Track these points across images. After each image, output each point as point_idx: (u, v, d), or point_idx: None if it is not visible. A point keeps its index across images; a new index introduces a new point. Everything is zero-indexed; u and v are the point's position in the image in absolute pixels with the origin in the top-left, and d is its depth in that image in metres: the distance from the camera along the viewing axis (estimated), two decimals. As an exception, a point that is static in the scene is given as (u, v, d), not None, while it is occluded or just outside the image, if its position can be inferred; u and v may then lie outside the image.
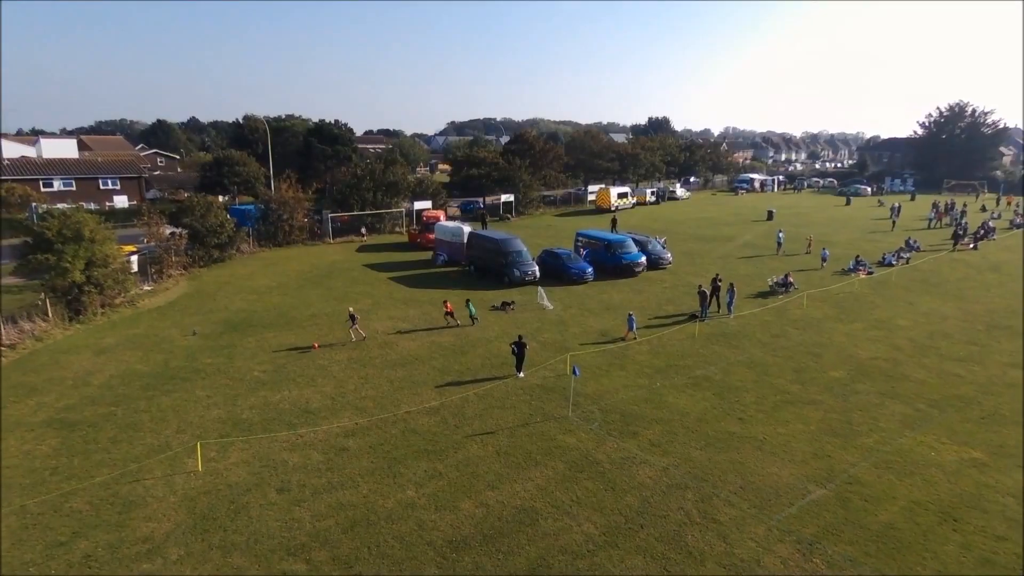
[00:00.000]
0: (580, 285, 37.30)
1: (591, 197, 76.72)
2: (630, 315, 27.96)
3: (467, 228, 42.62)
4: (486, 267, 38.76)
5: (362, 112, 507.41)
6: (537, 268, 37.49)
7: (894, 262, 43.10)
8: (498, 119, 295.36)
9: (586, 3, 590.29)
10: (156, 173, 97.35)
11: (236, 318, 30.53)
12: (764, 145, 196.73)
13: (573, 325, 29.83)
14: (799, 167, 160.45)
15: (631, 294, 35.50)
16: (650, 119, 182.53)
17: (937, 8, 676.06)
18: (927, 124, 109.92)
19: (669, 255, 42.33)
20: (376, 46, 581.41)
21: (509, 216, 64.47)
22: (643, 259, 39.95)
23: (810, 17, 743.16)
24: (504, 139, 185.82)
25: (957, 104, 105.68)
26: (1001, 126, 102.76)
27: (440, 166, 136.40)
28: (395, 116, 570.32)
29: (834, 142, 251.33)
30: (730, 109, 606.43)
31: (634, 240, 41.43)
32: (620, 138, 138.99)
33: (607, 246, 40.25)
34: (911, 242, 48.22)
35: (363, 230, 52.16)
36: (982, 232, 52.77)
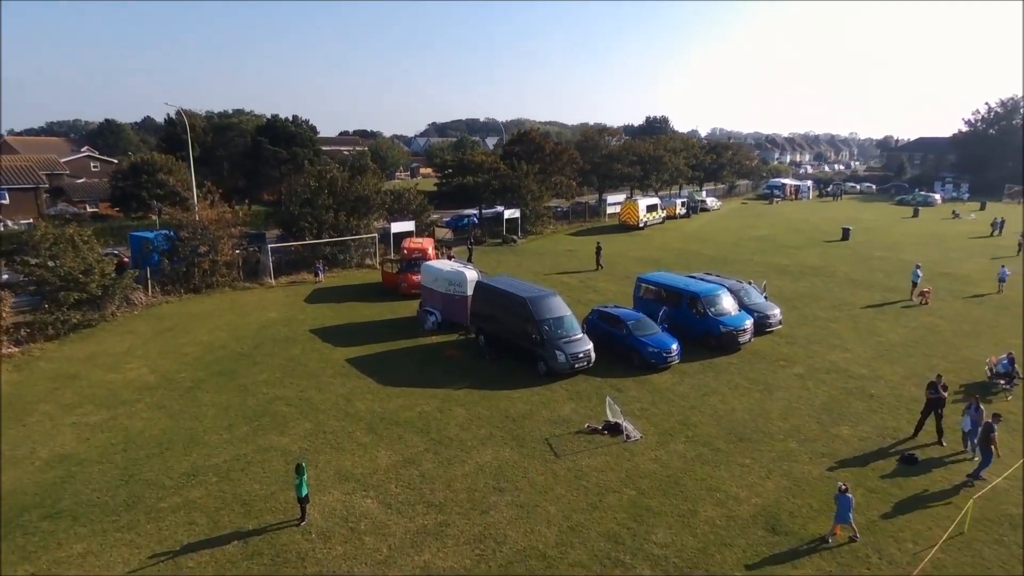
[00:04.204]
0: (661, 372, 22.86)
1: (611, 210, 62.46)
2: (844, 495, 13.43)
3: (471, 273, 27.85)
4: (505, 341, 24.15)
5: (340, 113, 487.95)
6: (591, 346, 22.90)
7: (1102, 316, 29.24)
8: (482, 120, 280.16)
9: (567, 2, 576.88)
10: (81, 181, 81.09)
11: (30, 490, 15.50)
12: (769, 147, 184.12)
13: (697, 492, 15.29)
14: (809, 169, 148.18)
15: (756, 395, 21.05)
16: (648, 118, 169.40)
17: (927, 6, 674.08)
18: (973, 122, 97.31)
19: (778, 311, 27.98)
20: (354, 44, 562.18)
21: (515, 238, 49.77)
22: (749, 323, 25.52)
23: (795, 15, 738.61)
24: (491, 140, 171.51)
25: (1010, 99, 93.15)
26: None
27: (422, 170, 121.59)
28: (373, 117, 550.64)
29: (835, 143, 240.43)
30: (715, 110, 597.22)
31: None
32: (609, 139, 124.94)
33: (692, 301, 25.80)
34: (1092, 280, 34.50)
35: (319, 266, 37.04)
36: None
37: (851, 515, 13.39)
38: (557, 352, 22.04)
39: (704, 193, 79.67)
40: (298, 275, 37.26)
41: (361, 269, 39.56)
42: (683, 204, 66.24)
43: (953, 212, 67.57)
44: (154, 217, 52.15)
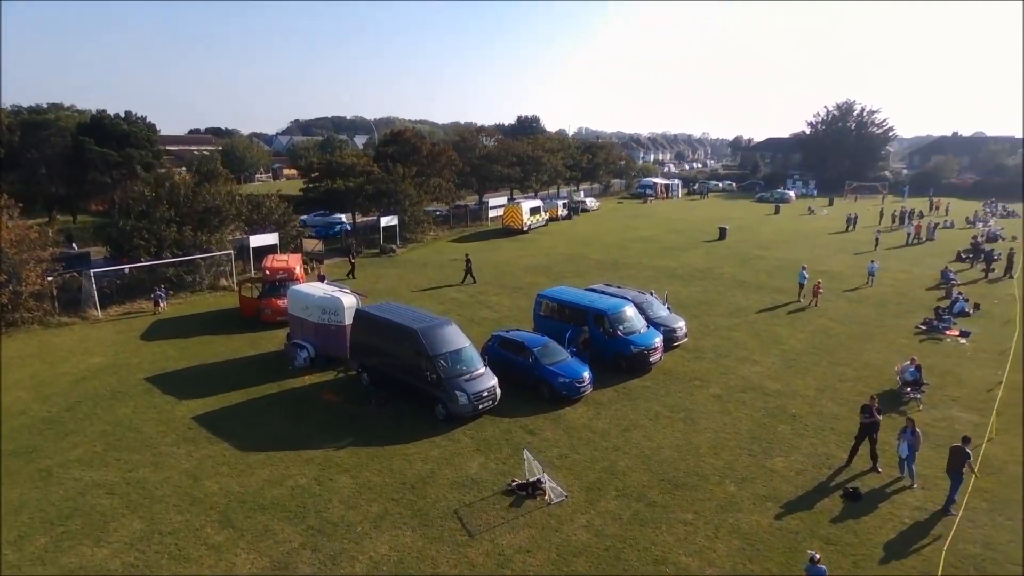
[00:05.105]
0: (574, 405, 20.39)
1: (493, 213, 60.11)
2: (816, 566, 11.43)
3: (349, 298, 23.83)
4: (394, 379, 20.58)
5: (190, 109, 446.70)
6: (496, 382, 19.92)
7: (968, 310, 30.82)
8: (348, 117, 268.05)
9: (429, 3, 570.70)
10: None
11: None
12: (634, 146, 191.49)
13: (642, 568, 12.80)
14: (673, 168, 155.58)
15: (680, 425, 19.12)
16: (519, 118, 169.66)
17: (774, 6, 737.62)
18: (814, 123, 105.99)
19: (683, 323, 26.58)
20: (204, 36, 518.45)
21: (394, 247, 45.75)
22: (658, 340, 23.77)
23: (652, 17, 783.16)
24: (360, 139, 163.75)
25: (845, 103, 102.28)
26: (888, 125, 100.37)
27: (286, 171, 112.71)
28: (228, 114, 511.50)
29: (691, 142, 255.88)
30: (580, 110, 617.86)
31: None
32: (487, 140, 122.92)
33: (598, 319, 23.60)
34: (949, 274, 36.80)
35: (160, 292, 31.01)
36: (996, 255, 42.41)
37: (825, 585, 11.46)
38: (458, 393, 18.82)
39: (582, 193, 79.77)
40: (133, 304, 31.05)
41: (214, 293, 33.88)
42: (564, 205, 65.35)
43: (809, 208, 72.25)
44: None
